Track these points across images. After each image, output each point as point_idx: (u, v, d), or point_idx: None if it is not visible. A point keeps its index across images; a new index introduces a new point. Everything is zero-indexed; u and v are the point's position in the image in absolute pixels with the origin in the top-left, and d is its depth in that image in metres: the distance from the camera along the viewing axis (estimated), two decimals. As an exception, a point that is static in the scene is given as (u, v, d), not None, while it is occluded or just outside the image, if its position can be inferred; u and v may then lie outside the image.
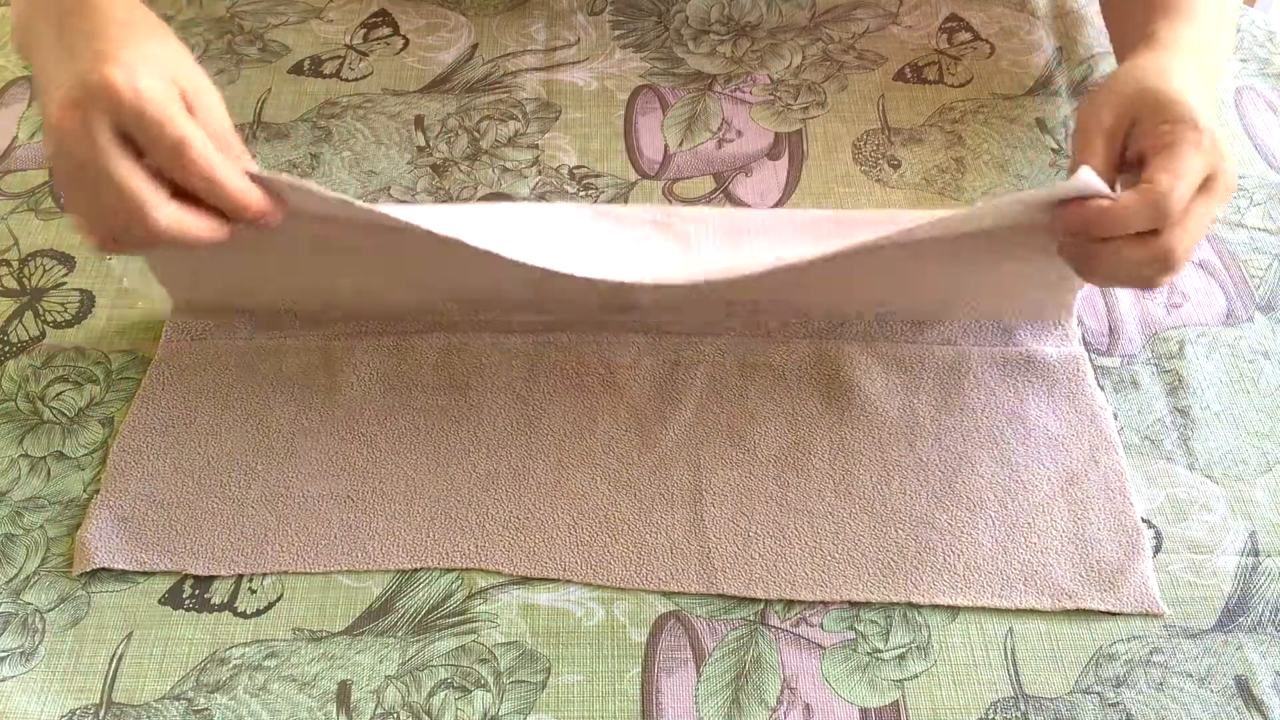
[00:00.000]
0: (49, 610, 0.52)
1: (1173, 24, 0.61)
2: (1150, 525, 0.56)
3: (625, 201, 0.69)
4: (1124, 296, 0.65)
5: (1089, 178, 0.51)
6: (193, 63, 0.54)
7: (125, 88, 0.48)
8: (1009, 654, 0.51)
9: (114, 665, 0.50)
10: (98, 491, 0.55)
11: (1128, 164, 0.55)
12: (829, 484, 0.56)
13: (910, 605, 0.53)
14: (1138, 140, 0.54)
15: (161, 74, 0.50)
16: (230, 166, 0.50)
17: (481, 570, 0.54)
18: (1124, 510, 0.55)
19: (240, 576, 0.53)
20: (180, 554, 0.54)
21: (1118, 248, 0.52)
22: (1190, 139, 0.52)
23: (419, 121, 0.74)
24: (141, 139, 0.48)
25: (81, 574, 0.53)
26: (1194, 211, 0.52)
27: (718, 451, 0.57)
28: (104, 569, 0.53)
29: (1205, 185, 0.52)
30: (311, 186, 0.50)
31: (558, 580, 0.53)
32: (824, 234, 0.55)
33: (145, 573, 0.53)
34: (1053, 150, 0.73)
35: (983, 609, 0.53)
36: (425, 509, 0.55)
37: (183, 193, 0.50)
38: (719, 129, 0.74)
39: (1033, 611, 0.53)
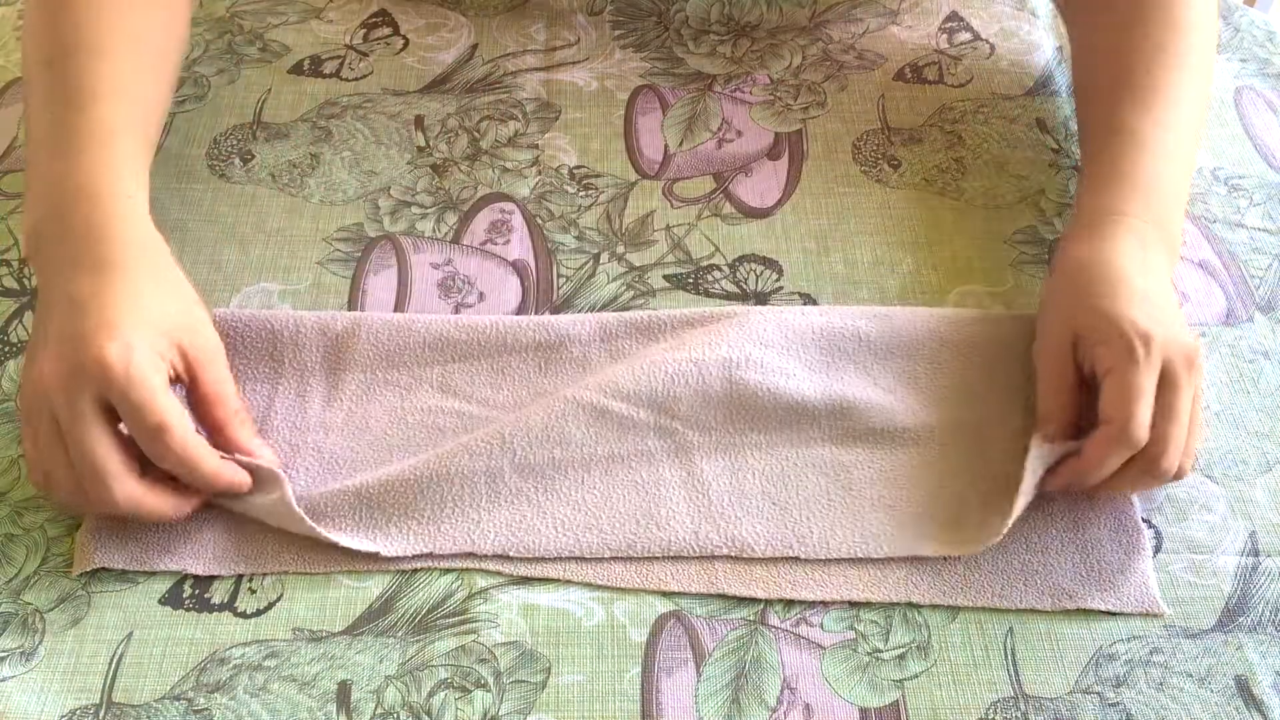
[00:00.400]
0: (49, 610, 0.52)
1: (1134, 138, 0.60)
2: (1150, 525, 0.56)
3: (625, 201, 0.70)
4: (1124, 296, 0.65)
5: (1046, 452, 0.53)
6: (194, 307, 0.55)
7: (117, 367, 0.49)
8: (1009, 654, 0.51)
9: (114, 665, 0.50)
10: None
11: (1086, 380, 0.55)
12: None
13: (910, 605, 0.53)
14: (1086, 359, 0.55)
15: (158, 340, 0.51)
16: (206, 450, 0.51)
17: (481, 571, 0.54)
18: (1124, 510, 0.55)
19: (240, 576, 0.53)
20: (181, 554, 0.54)
21: (1112, 482, 0.53)
22: (1128, 359, 0.52)
23: (419, 121, 0.74)
24: (124, 417, 0.50)
25: (81, 574, 0.53)
26: (1168, 411, 0.52)
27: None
28: (104, 569, 0.53)
29: (1166, 380, 0.52)
30: (286, 496, 0.53)
31: (558, 580, 0.53)
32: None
33: (145, 573, 0.53)
34: (1053, 150, 0.73)
35: (983, 609, 0.53)
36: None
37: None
38: (719, 129, 0.74)
39: (1033, 611, 0.53)
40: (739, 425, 0.58)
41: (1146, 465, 0.52)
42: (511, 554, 0.54)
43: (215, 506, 0.55)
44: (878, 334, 0.61)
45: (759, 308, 0.62)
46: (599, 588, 0.53)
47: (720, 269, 0.66)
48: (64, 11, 0.59)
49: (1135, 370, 0.52)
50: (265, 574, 0.53)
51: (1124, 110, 0.62)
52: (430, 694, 0.50)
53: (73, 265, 0.53)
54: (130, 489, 0.50)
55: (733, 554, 0.53)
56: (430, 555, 0.54)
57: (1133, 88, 0.63)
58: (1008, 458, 0.56)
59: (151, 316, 0.52)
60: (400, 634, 0.51)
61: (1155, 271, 0.56)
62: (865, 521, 0.54)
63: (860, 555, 0.53)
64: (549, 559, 0.54)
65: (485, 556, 0.54)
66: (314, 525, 0.53)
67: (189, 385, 0.53)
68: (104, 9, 0.60)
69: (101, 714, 0.49)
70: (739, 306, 0.62)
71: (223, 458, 0.52)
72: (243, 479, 0.53)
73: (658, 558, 0.54)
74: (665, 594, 0.53)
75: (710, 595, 0.53)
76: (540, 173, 0.71)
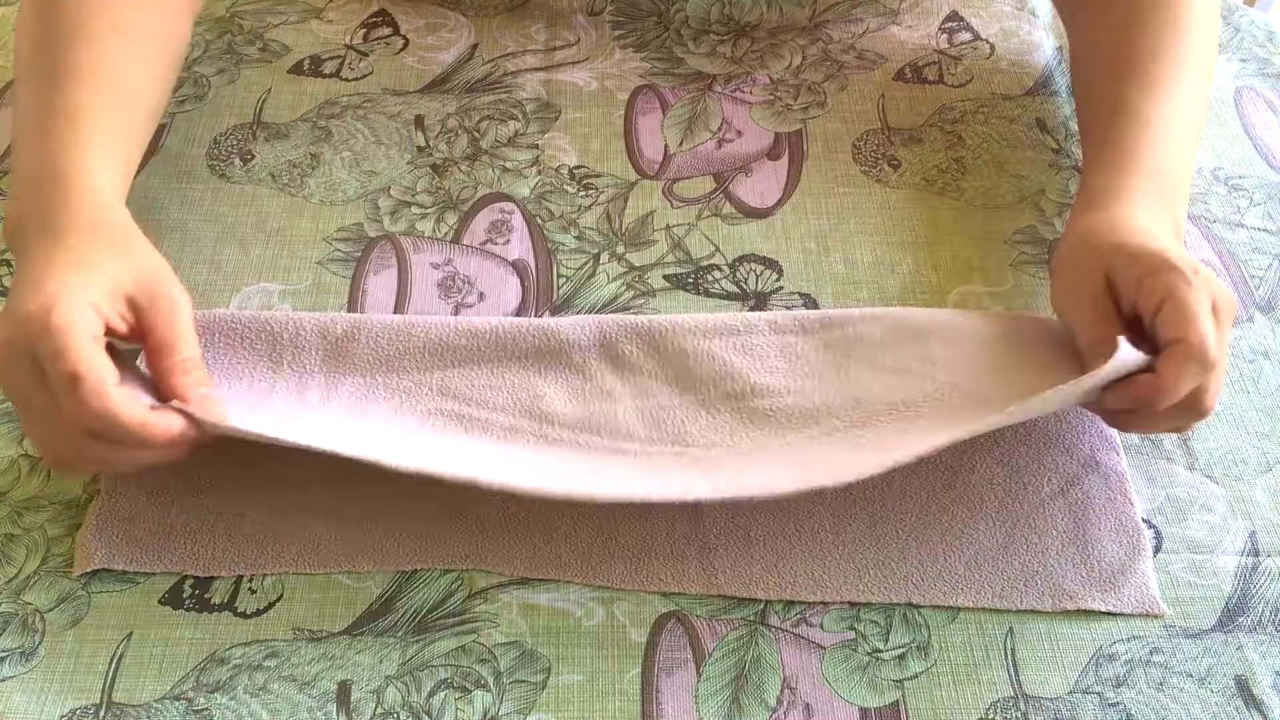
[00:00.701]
0: (49, 610, 0.52)
1: (1140, 121, 0.60)
2: (1150, 525, 0.56)
3: (625, 201, 0.70)
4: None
5: (1129, 355, 0.50)
6: (151, 266, 0.54)
7: (38, 320, 0.48)
8: (1009, 654, 0.51)
9: (114, 665, 0.50)
10: (99, 492, 0.55)
11: (1125, 321, 0.54)
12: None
13: (910, 605, 0.53)
14: (1124, 298, 0.53)
15: (100, 296, 0.50)
16: (128, 399, 0.49)
17: (481, 570, 0.54)
18: (1124, 510, 0.55)
19: (240, 576, 0.53)
20: (181, 555, 0.54)
21: (1151, 423, 0.53)
22: (1181, 283, 0.51)
23: (419, 121, 0.74)
24: (47, 370, 0.48)
25: (81, 574, 0.53)
26: (1206, 345, 0.50)
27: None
28: (104, 569, 0.53)
29: (1218, 298, 0.51)
30: (242, 430, 0.51)
31: (558, 580, 0.53)
32: (853, 458, 0.54)
33: (145, 573, 0.53)
34: (1053, 150, 0.73)
35: (983, 609, 0.53)
36: (425, 508, 0.55)
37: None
38: (719, 129, 0.74)
39: (1033, 611, 0.53)
40: (755, 442, 0.57)
41: (1191, 402, 0.51)
42: (510, 484, 0.50)
43: (214, 498, 0.55)
44: (881, 331, 0.60)
45: (758, 318, 0.61)
46: (599, 588, 0.53)
47: (720, 269, 0.66)
48: (57, 2, 0.60)
49: (1193, 292, 0.50)
50: (265, 574, 0.53)
51: (1127, 92, 0.62)
52: (430, 694, 0.50)
53: (33, 242, 0.53)
54: (59, 448, 0.50)
55: (746, 493, 0.51)
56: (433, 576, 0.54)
57: (1135, 74, 0.63)
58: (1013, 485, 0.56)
59: (94, 275, 0.51)
60: (400, 634, 0.51)
61: (1179, 227, 0.56)
62: (886, 446, 0.52)
63: (883, 467, 0.50)
64: (549, 561, 0.54)
65: (484, 551, 0.54)
66: (285, 437, 0.51)
67: (143, 338, 0.52)
68: (95, 1, 0.61)
69: (101, 714, 0.49)
70: (737, 315, 0.61)
71: (153, 407, 0.50)
72: (170, 425, 0.50)
73: (658, 557, 0.54)
74: (665, 594, 0.53)
75: (710, 595, 0.53)
76: (540, 173, 0.71)
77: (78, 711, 0.49)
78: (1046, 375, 0.55)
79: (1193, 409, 0.52)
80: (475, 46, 0.80)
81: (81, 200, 0.54)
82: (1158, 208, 0.57)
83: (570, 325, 0.61)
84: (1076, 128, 0.74)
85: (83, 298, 0.50)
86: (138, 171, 0.71)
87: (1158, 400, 0.50)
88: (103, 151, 0.57)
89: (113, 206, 0.56)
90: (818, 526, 0.55)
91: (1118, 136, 0.61)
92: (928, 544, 0.54)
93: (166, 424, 0.50)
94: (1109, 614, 0.53)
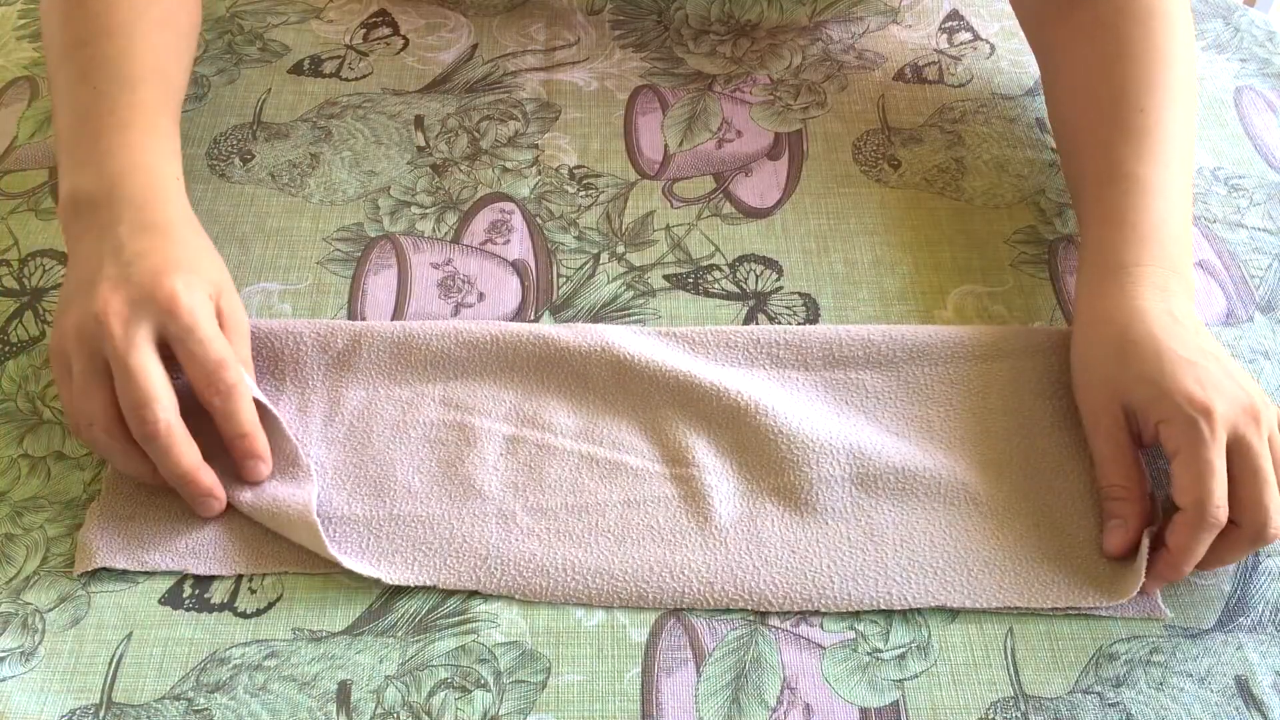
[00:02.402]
0: (49, 610, 0.52)
1: (1138, 184, 0.59)
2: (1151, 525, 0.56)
3: (625, 201, 0.70)
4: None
5: (1140, 572, 0.52)
6: (229, 279, 0.57)
7: (184, 302, 0.51)
8: (1009, 654, 0.51)
9: (114, 665, 0.50)
10: (99, 491, 0.55)
11: (1144, 442, 0.55)
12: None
13: (911, 608, 0.53)
14: (1144, 429, 0.54)
15: (210, 292, 0.54)
16: (189, 444, 0.52)
17: (482, 593, 0.54)
18: None
19: (240, 576, 0.53)
20: (181, 554, 0.53)
21: (1218, 557, 0.52)
22: (1194, 438, 0.51)
23: (419, 121, 0.74)
24: (183, 352, 0.51)
25: (81, 574, 0.53)
26: (1252, 475, 0.51)
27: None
28: (104, 569, 0.53)
29: (1238, 446, 0.51)
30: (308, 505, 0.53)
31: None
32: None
33: (145, 573, 0.53)
34: (1053, 150, 0.73)
35: (982, 610, 0.53)
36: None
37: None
38: (719, 129, 0.74)
39: (1033, 612, 0.53)
40: (755, 471, 0.56)
41: (1253, 535, 0.51)
42: (517, 596, 0.53)
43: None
44: (881, 384, 0.60)
45: (756, 344, 0.61)
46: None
47: (720, 269, 0.66)
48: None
49: (1203, 448, 0.50)
50: (265, 574, 0.53)
51: (1120, 154, 0.60)
52: (430, 694, 0.50)
53: (127, 225, 0.54)
54: (172, 417, 0.51)
55: (749, 607, 0.52)
56: (434, 589, 0.53)
57: (1126, 129, 0.61)
58: (1038, 504, 0.56)
59: (201, 268, 0.54)
60: (400, 634, 0.51)
61: (1186, 320, 0.55)
62: (889, 571, 0.53)
63: (884, 607, 0.52)
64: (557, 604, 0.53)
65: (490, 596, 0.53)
66: (326, 541, 0.53)
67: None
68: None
69: (101, 714, 0.49)
70: (739, 331, 0.61)
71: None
72: (211, 491, 0.53)
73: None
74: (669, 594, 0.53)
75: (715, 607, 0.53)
76: (540, 173, 0.71)
77: (78, 711, 0.49)
78: (1049, 428, 0.57)
79: (1257, 541, 0.51)
80: (475, 46, 0.80)
81: (172, 199, 0.57)
82: (1171, 284, 0.56)
83: (571, 334, 0.61)
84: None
85: (202, 290, 0.53)
86: (138, 171, 0.71)
87: (1180, 571, 0.51)
88: (174, 152, 0.60)
89: (193, 214, 0.58)
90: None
91: (1117, 204, 0.59)
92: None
93: (209, 486, 0.53)
94: (1109, 613, 0.53)
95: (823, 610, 0.52)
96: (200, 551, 0.54)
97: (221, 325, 0.54)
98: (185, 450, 0.52)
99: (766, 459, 0.57)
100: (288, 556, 0.54)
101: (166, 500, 0.55)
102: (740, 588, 0.53)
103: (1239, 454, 0.51)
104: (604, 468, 0.57)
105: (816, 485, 0.56)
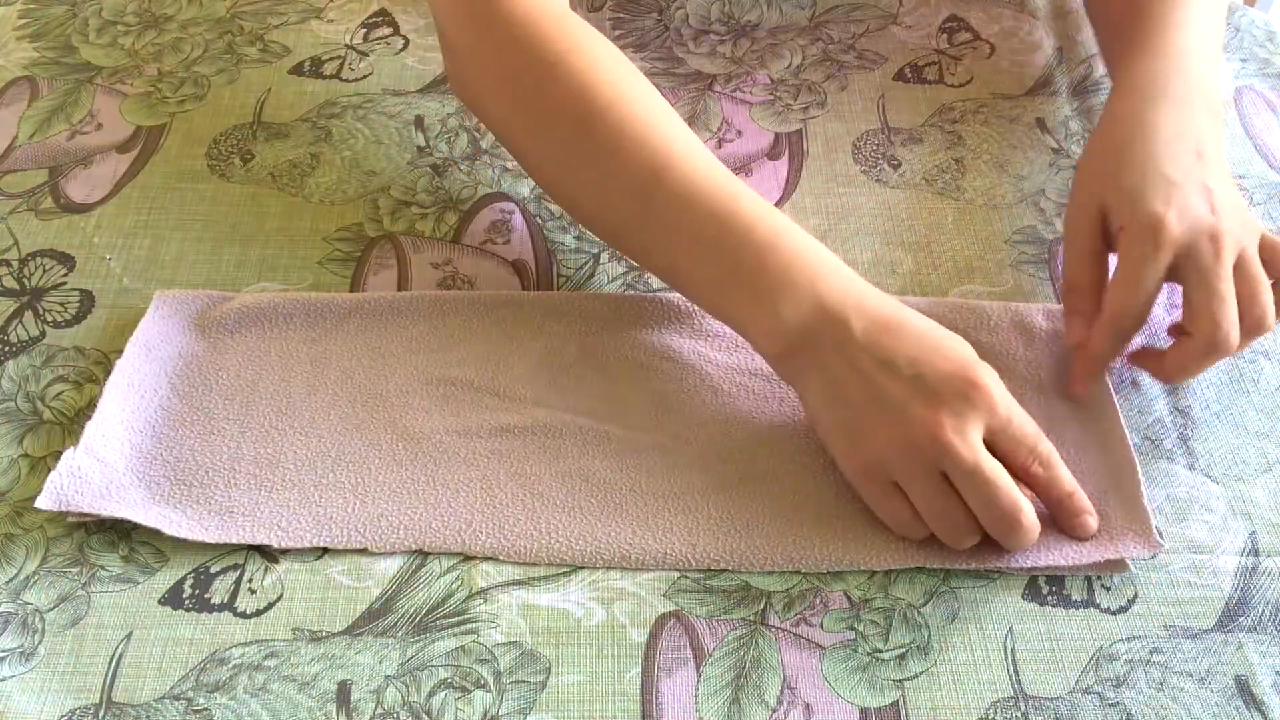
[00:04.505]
0: (49, 610, 0.52)
1: (1164, 18, 0.63)
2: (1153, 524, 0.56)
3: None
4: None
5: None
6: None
7: (995, 394, 0.51)
8: (1009, 654, 0.51)
9: (114, 665, 0.50)
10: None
11: (1112, 248, 0.59)
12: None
13: (910, 605, 0.53)
14: (1111, 228, 0.58)
15: (987, 365, 0.53)
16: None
17: (474, 557, 0.54)
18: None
19: (241, 576, 0.53)
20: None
21: (1179, 365, 0.56)
22: (1136, 250, 0.55)
23: (419, 121, 0.74)
24: (1005, 441, 0.51)
25: (81, 574, 0.53)
26: (1203, 288, 0.54)
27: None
28: (102, 569, 0.53)
29: (1191, 261, 0.55)
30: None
31: (558, 580, 0.53)
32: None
33: (145, 573, 0.53)
34: (1053, 150, 0.73)
35: (981, 604, 0.53)
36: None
37: None
38: (719, 129, 0.74)
39: (1033, 611, 0.53)
40: (739, 441, 0.58)
41: (1204, 345, 0.54)
42: (502, 557, 0.54)
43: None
44: None
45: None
46: (599, 587, 0.53)
47: (720, 269, 0.66)
48: (628, 148, 0.58)
49: (1144, 261, 0.55)
50: (241, 545, 0.54)
51: (1146, 8, 0.64)
52: (430, 694, 0.50)
53: (864, 333, 0.52)
54: (1034, 516, 0.51)
55: (730, 567, 0.53)
56: (420, 552, 0.54)
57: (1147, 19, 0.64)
58: None
59: (969, 349, 0.53)
60: (400, 634, 0.51)
61: (1197, 134, 0.58)
62: (870, 537, 0.54)
63: (863, 567, 0.53)
64: (542, 565, 0.54)
65: (475, 557, 0.54)
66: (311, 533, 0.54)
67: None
68: (659, 104, 0.60)
69: (101, 714, 0.49)
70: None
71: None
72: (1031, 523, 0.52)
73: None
74: (665, 595, 0.53)
75: (710, 595, 0.53)
76: (540, 173, 0.71)
77: (78, 711, 0.49)
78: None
79: (1209, 351, 0.55)
80: (475, 46, 0.79)
81: (863, 285, 0.55)
82: (1194, 100, 0.59)
83: (551, 303, 0.63)
84: (1076, 127, 0.74)
85: (989, 368, 0.52)
86: (137, 172, 0.71)
87: (1091, 368, 0.57)
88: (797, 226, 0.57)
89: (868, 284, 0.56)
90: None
91: (1142, 33, 0.63)
92: None
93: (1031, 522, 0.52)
94: (1109, 613, 0.53)
95: (804, 570, 0.53)
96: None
97: None
98: (1037, 532, 0.52)
99: (752, 432, 0.58)
100: (264, 532, 0.54)
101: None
102: (721, 548, 0.54)
103: (1191, 269, 0.55)
104: (589, 435, 0.57)
105: (803, 453, 0.57)
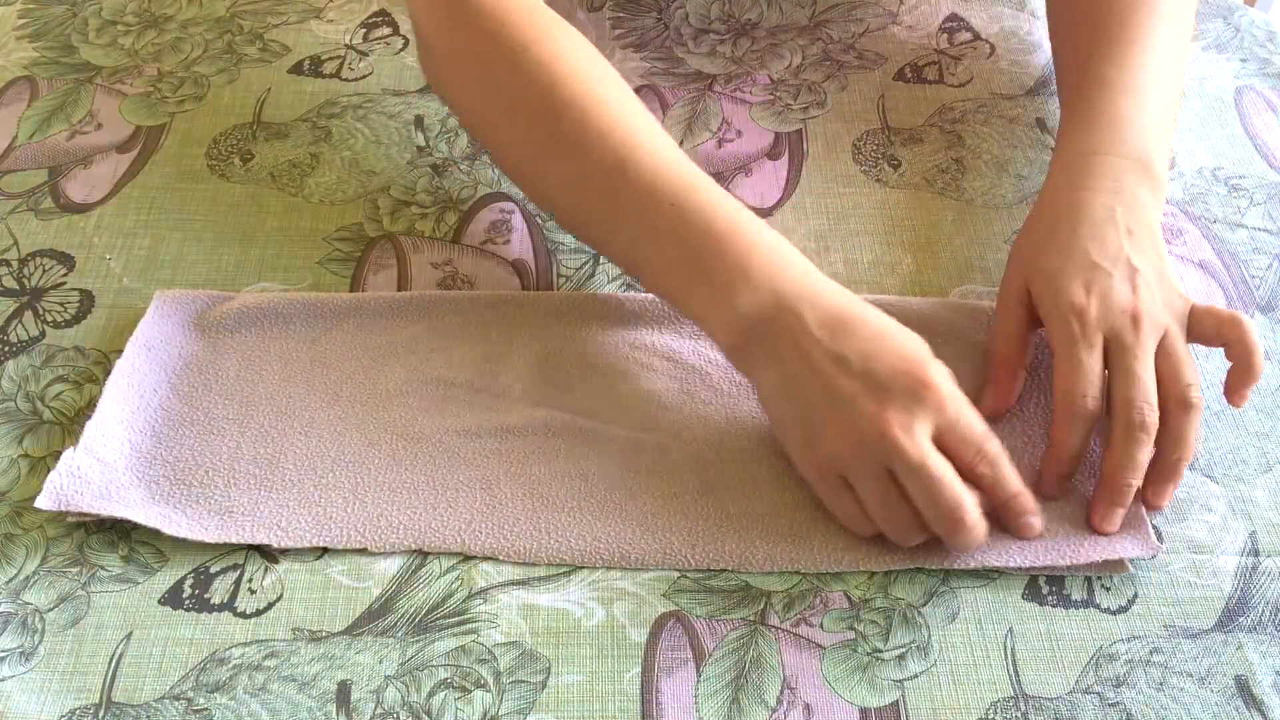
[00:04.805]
0: (49, 610, 0.52)
1: (1109, 85, 0.62)
2: (1150, 524, 0.56)
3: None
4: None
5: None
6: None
7: (945, 392, 0.51)
8: (1009, 654, 0.51)
9: (114, 665, 0.50)
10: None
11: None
12: None
13: (910, 605, 0.53)
14: (1038, 310, 0.58)
15: (940, 364, 0.53)
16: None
17: (474, 557, 0.54)
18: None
19: (240, 576, 0.53)
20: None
21: (1114, 461, 0.54)
22: (1065, 337, 0.55)
23: (419, 121, 0.74)
24: (953, 439, 0.51)
25: (81, 573, 0.53)
26: (1124, 375, 0.54)
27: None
28: (102, 569, 0.53)
29: (1114, 345, 0.55)
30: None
31: (558, 580, 0.53)
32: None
33: (145, 573, 0.53)
34: (1053, 150, 0.73)
35: (981, 604, 0.53)
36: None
37: None
38: (719, 129, 0.74)
39: (1033, 611, 0.53)
40: (740, 442, 0.58)
41: (1121, 427, 0.54)
42: (502, 557, 0.54)
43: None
44: None
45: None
46: (599, 587, 0.53)
47: (720, 269, 0.66)
48: (589, 134, 0.58)
49: (1072, 346, 0.55)
50: (241, 545, 0.54)
51: (1098, 62, 0.63)
52: (430, 694, 0.50)
53: (818, 327, 0.52)
54: (978, 513, 0.51)
55: (732, 568, 0.53)
56: (420, 551, 0.54)
57: (1109, 39, 0.64)
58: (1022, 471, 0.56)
59: (922, 347, 0.53)
60: (400, 634, 0.51)
61: (1129, 211, 0.58)
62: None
63: (862, 568, 0.53)
64: (542, 564, 0.54)
65: (475, 557, 0.54)
66: (311, 532, 0.54)
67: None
68: (628, 99, 0.60)
69: (101, 714, 0.49)
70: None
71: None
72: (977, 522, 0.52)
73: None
74: (665, 594, 0.53)
75: (710, 595, 0.53)
76: (540, 173, 0.71)
77: (77, 711, 0.49)
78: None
79: (1135, 440, 0.54)
80: (475, 46, 0.79)
81: (822, 280, 0.55)
82: (1127, 174, 0.59)
83: (547, 303, 0.63)
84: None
85: (941, 367, 0.52)
86: (137, 172, 0.71)
87: (1062, 464, 0.55)
88: (759, 220, 0.57)
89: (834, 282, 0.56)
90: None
91: (1088, 101, 0.62)
92: None
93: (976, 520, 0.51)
94: (1109, 613, 0.53)
95: (803, 570, 0.53)
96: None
97: None
98: (984, 531, 0.52)
99: (747, 430, 0.58)
100: (263, 532, 0.54)
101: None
102: (721, 549, 0.54)
103: (1114, 353, 0.55)
104: (586, 434, 0.58)
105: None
